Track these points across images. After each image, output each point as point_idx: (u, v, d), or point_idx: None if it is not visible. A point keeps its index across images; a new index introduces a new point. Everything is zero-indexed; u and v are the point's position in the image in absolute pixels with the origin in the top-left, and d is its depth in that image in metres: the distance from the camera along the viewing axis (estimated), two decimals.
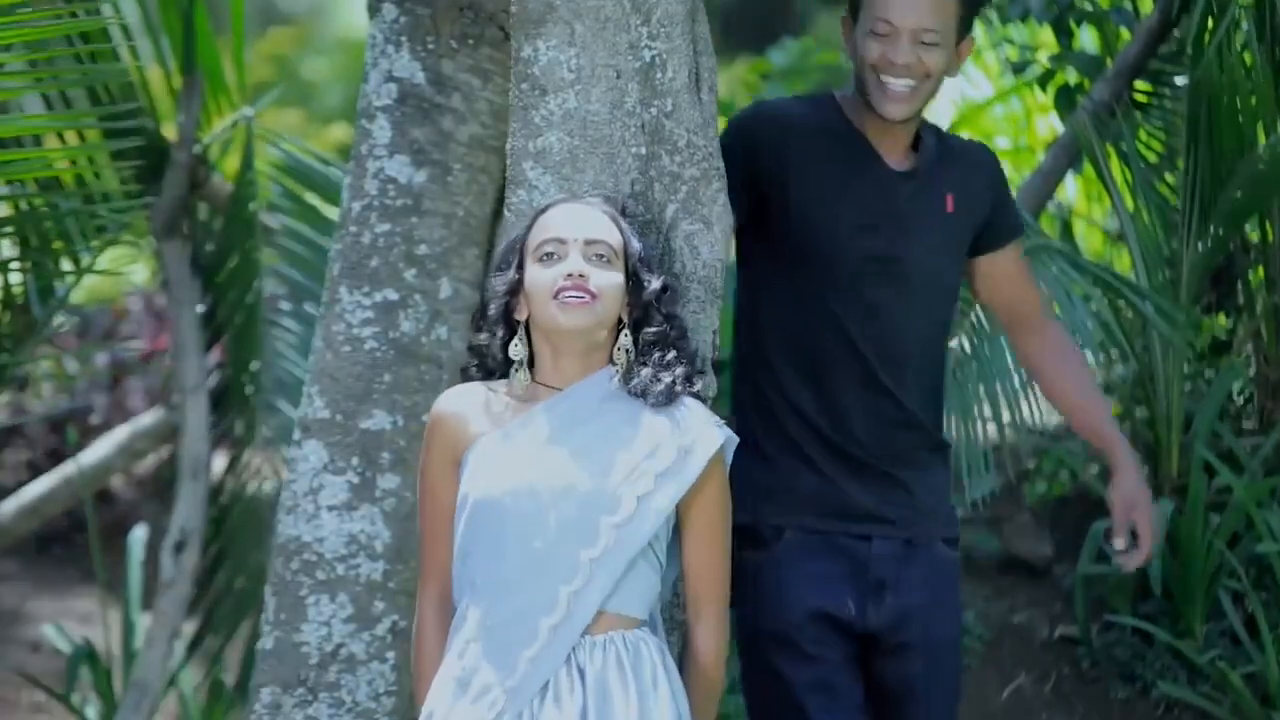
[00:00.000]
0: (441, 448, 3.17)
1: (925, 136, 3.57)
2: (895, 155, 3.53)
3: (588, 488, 3.06)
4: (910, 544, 3.53)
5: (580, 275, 3.07)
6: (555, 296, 3.08)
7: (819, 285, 3.49)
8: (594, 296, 3.08)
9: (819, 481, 3.51)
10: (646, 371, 3.13)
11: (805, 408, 3.51)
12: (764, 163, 3.48)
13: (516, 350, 3.15)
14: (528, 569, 3.05)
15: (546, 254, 3.11)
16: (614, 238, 3.14)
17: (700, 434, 3.12)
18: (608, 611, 3.07)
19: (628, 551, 3.06)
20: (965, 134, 3.73)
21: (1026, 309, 3.72)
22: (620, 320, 3.15)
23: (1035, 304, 3.74)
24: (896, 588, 3.50)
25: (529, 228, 3.18)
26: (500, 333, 3.17)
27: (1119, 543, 3.61)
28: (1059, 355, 3.73)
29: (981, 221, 3.61)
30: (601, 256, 3.11)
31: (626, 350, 3.14)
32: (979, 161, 3.65)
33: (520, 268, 3.15)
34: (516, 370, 3.15)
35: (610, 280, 3.10)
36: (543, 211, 3.18)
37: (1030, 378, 3.85)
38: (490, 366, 3.20)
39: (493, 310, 3.17)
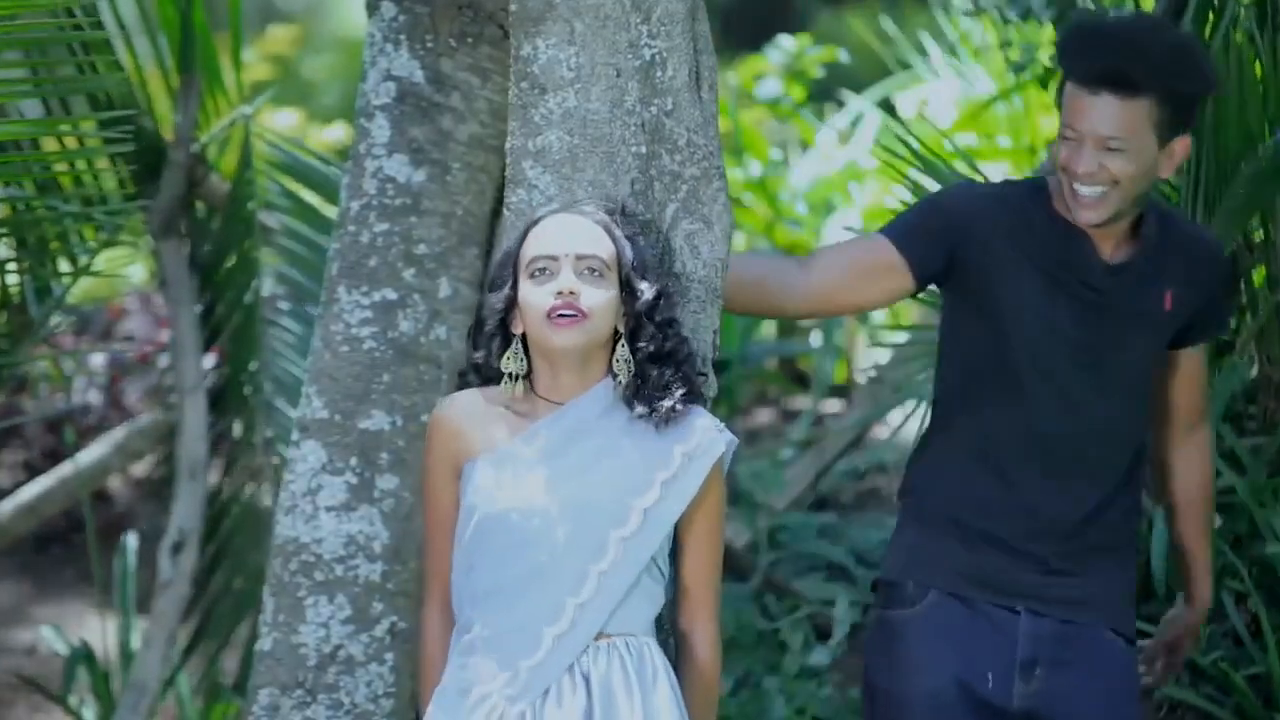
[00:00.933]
0: (441, 455, 3.15)
1: (1148, 223, 3.41)
2: (1110, 244, 3.39)
3: (595, 502, 3.05)
4: (1068, 624, 3.40)
5: (571, 293, 3.05)
6: (548, 316, 3.06)
7: (1021, 379, 3.39)
8: (585, 315, 3.06)
9: (979, 557, 3.41)
10: (645, 396, 3.11)
11: (987, 495, 3.42)
12: (971, 256, 3.40)
13: (510, 364, 3.12)
14: (533, 582, 3.05)
15: (539, 270, 3.09)
16: (606, 250, 3.11)
17: (703, 439, 3.11)
18: (612, 632, 3.07)
19: (635, 564, 3.06)
20: (1192, 222, 3.59)
21: (1185, 412, 3.59)
22: (617, 330, 3.13)
23: (1197, 409, 3.60)
24: (1052, 665, 3.37)
25: (521, 240, 3.15)
26: (496, 346, 3.15)
27: (1147, 675, 3.64)
28: (1195, 468, 3.61)
29: (1190, 316, 3.48)
30: (593, 271, 3.09)
31: (625, 361, 3.12)
32: (1206, 257, 3.49)
33: (515, 284, 3.13)
34: (514, 381, 3.12)
35: (601, 297, 3.08)
36: (535, 224, 3.16)
37: (1152, 468, 3.69)
38: (488, 375, 3.18)
39: (489, 327, 3.15)
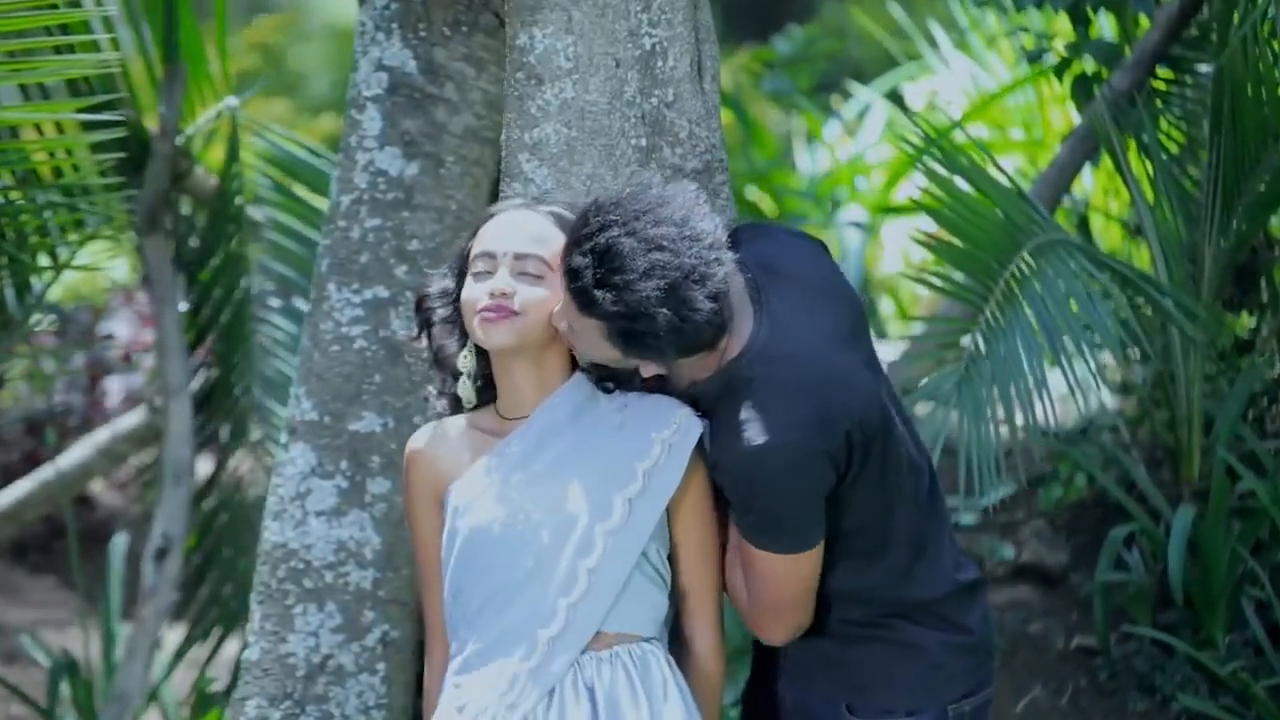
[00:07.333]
0: (421, 489, 3.16)
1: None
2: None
3: (577, 499, 3.04)
4: None
5: (503, 294, 3.04)
6: (478, 313, 3.06)
7: None
8: (515, 313, 3.03)
9: None
10: (612, 374, 3.10)
11: None
12: None
13: (465, 362, 3.14)
14: (523, 587, 3.03)
15: (479, 270, 3.09)
16: (549, 250, 3.06)
17: (680, 424, 3.08)
18: (611, 632, 3.04)
19: (625, 559, 3.03)
20: None
21: None
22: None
23: None
24: None
25: (472, 236, 3.15)
26: (456, 337, 3.15)
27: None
28: None
29: None
30: (530, 273, 3.05)
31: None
32: None
33: (460, 275, 3.14)
34: (464, 379, 3.13)
35: (536, 296, 3.04)
36: (489, 218, 3.15)
37: None
38: (456, 407, 3.17)
39: (437, 315, 3.15)
